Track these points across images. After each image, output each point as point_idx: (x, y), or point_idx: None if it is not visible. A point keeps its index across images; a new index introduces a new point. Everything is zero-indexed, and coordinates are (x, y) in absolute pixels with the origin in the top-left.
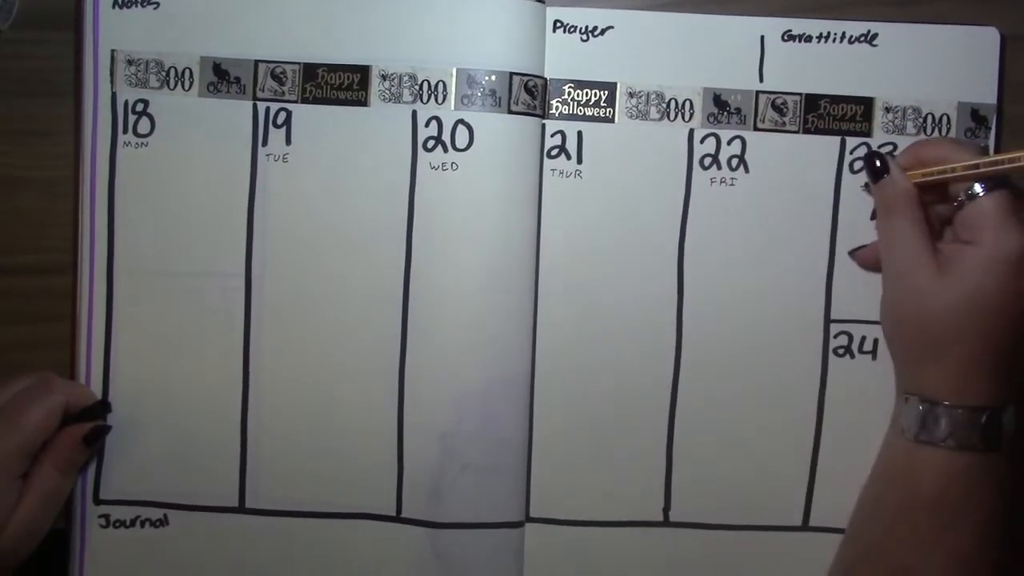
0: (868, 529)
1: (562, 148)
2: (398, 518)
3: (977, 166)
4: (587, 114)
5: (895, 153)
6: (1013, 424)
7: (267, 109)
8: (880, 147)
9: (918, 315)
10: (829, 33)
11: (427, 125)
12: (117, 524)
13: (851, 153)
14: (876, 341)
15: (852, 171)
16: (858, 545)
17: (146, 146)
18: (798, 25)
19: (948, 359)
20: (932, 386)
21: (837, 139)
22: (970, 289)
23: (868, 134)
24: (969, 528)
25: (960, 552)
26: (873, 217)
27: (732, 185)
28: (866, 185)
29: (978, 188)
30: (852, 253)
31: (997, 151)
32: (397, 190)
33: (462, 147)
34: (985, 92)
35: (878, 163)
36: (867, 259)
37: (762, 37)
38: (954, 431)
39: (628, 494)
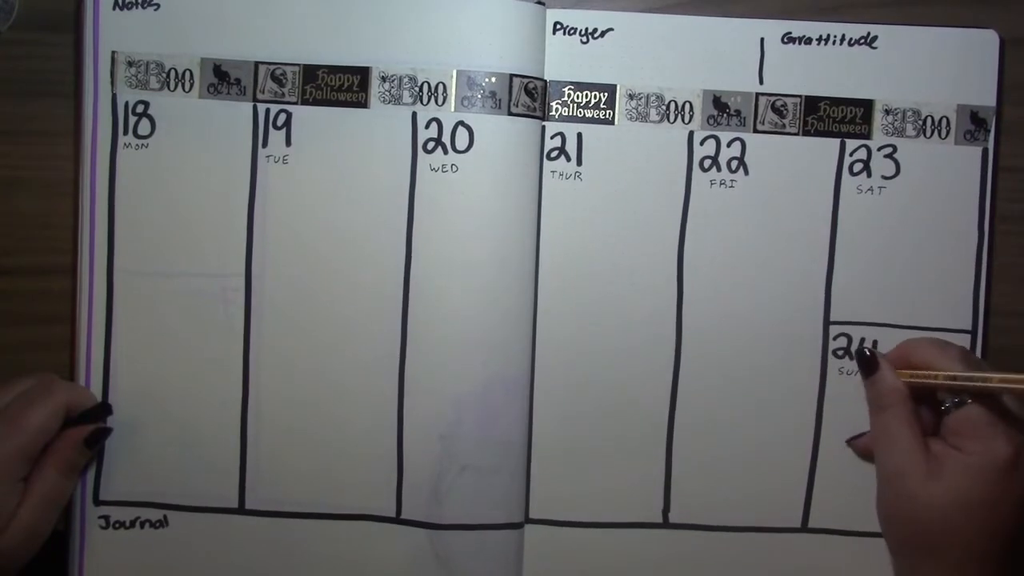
0: None
1: (562, 150)
2: (398, 519)
3: (955, 378)
4: (587, 116)
5: (897, 160)
6: None
7: (267, 111)
8: (880, 149)
9: (909, 518)
10: (829, 35)
11: (427, 127)
12: (117, 525)
13: (851, 155)
14: (876, 343)
15: (852, 173)
16: None
17: (146, 147)
18: (798, 27)
19: (938, 561)
20: None
21: (837, 141)
22: (958, 495)
23: (868, 136)
24: None
25: None
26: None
27: (732, 187)
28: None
29: (965, 398)
30: (850, 442)
31: (979, 363)
32: (397, 192)
33: (462, 149)
34: (984, 94)
35: (868, 360)
36: (863, 450)
37: (762, 39)
38: None
39: (627, 495)
